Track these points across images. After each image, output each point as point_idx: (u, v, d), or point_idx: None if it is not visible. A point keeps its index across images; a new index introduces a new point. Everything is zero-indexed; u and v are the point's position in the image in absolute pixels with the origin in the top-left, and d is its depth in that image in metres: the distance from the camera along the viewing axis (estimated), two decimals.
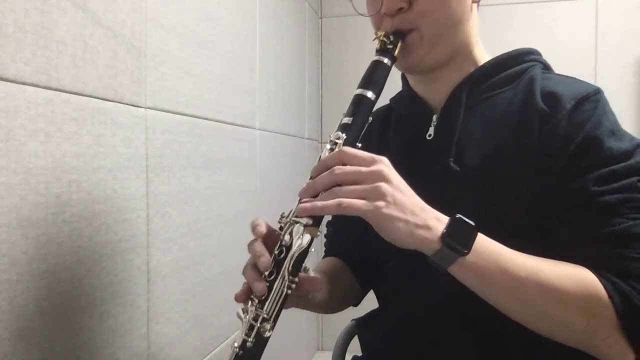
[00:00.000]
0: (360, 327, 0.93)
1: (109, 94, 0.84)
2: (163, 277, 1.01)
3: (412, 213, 0.58)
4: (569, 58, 2.15)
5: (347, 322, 1.01)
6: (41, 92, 0.70)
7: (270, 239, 0.65)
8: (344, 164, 0.60)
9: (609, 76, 2.15)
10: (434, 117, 0.77)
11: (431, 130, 0.76)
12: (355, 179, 0.58)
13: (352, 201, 0.56)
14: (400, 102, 0.87)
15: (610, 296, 0.59)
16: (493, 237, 0.62)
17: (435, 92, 0.78)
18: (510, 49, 0.78)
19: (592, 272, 0.61)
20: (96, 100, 0.81)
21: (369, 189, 0.57)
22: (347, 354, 1.02)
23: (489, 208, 0.68)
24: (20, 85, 0.66)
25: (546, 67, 0.77)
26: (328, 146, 0.65)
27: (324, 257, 0.94)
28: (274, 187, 1.69)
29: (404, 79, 0.86)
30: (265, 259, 0.61)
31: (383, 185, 0.57)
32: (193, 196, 1.13)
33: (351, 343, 1.02)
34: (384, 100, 0.87)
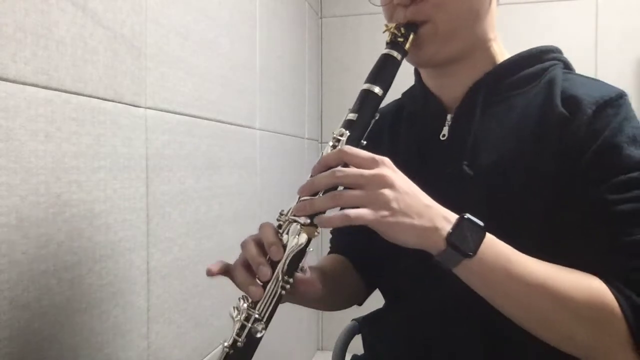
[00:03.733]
0: (365, 325, 0.92)
1: (109, 94, 0.84)
2: (163, 277, 1.01)
3: (418, 214, 0.56)
4: (569, 58, 2.14)
5: (348, 321, 1.01)
6: (41, 92, 0.70)
7: None
8: (345, 164, 0.58)
9: (609, 76, 2.14)
10: (449, 117, 0.74)
11: (445, 131, 0.73)
12: (357, 183, 0.56)
13: (358, 212, 0.54)
14: (413, 99, 0.83)
15: (622, 309, 0.57)
16: (504, 242, 0.60)
17: (450, 90, 0.75)
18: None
19: (604, 282, 0.59)
20: (96, 100, 0.81)
21: (373, 195, 0.55)
22: (347, 353, 1.02)
23: (500, 216, 0.64)
24: (20, 85, 0.66)
25: (567, 66, 0.75)
26: (331, 143, 0.62)
27: (329, 253, 0.93)
28: (274, 187, 1.69)
29: (416, 73, 0.82)
30: (267, 269, 0.59)
31: (387, 192, 0.55)
32: (193, 196, 1.13)
33: (351, 343, 1.02)
34: (396, 94, 0.84)
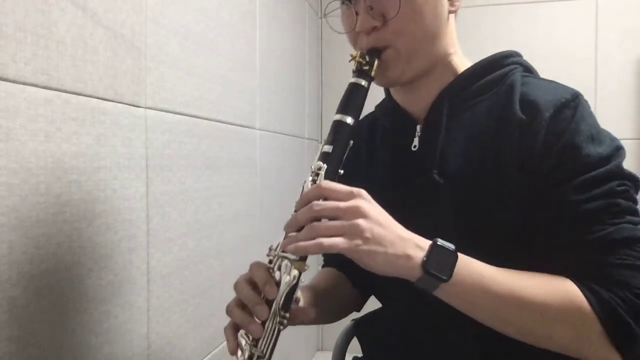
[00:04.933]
0: (359, 328, 0.93)
1: (109, 94, 0.84)
2: (163, 277, 1.01)
3: (392, 244, 0.58)
4: (569, 58, 2.14)
5: (347, 322, 1.01)
6: (41, 92, 0.70)
7: None
8: (325, 198, 0.61)
9: (609, 76, 2.15)
10: (418, 128, 0.77)
11: (416, 142, 0.76)
12: (334, 215, 0.59)
13: (332, 240, 0.57)
14: (385, 113, 0.86)
15: (592, 306, 0.59)
16: (475, 250, 0.62)
17: (417, 103, 0.78)
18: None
19: (573, 282, 0.61)
20: (96, 100, 0.81)
21: (347, 225, 0.58)
22: (347, 354, 1.02)
23: (470, 221, 0.68)
24: (20, 85, 0.66)
25: (527, 69, 0.77)
26: (310, 178, 0.65)
27: (323, 267, 0.96)
28: (274, 187, 1.69)
29: (386, 88, 0.85)
30: (263, 308, 0.62)
31: (361, 222, 0.58)
32: (193, 196, 1.13)
33: (351, 343, 1.02)
34: (369, 106, 0.87)
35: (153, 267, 0.98)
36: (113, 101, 0.85)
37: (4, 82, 0.64)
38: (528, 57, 0.79)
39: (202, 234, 1.17)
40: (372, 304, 0.92)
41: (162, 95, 1.01)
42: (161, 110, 1.00)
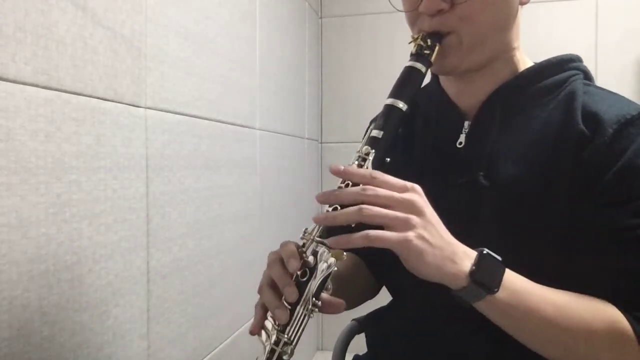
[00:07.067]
0: (368, 325, 0.92)
1: (109, 94, 0.84)
2: (163, 277, 1.01)
3: (441, 248, 0.56)
4: None
5: (348, 321, 1.01)
6: (41, 92, 0.70)
7: None
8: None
9: (609, 76, 2.14)
10: (466, 124, 0.73)
11: (462, 138, 0.72)
12: (386, 204, 0.55)
13: (380, 233, 0.54)
14: (429, 101, 0.80)
15: (637, 335, 0.58)
16: (510, 261, 0.59)
17: (469, 96, 0.74)
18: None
19: (619, 308, 0.60)
20: (96, 100, 0.81)
21: (401, 217, 0.54)
22: (347, 354, 1.02)
23: (511, 231, 0.65)
24: (20, 85, 0.66)
25: (587, 76, 0.74)
26: (355, 162, 0.61)
27: None
28: (274, 187, 1.69)
29: (433, 74, 0.80)
30: (293, 290, 0.57)
31: (415, 218, 0.54)
32: (193, 196, 1.13)
33: (351, 343, 1.02)
34: None
35: (153, 267, 0.98)
36: (113, 101, 0.85)
37: (4, 82, 0.64)
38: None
39: (202, 234, 1.17)
40: (373, 303, 0.91)
41: (162, 95, 1.01)
42: (161, 110, 1.00)
